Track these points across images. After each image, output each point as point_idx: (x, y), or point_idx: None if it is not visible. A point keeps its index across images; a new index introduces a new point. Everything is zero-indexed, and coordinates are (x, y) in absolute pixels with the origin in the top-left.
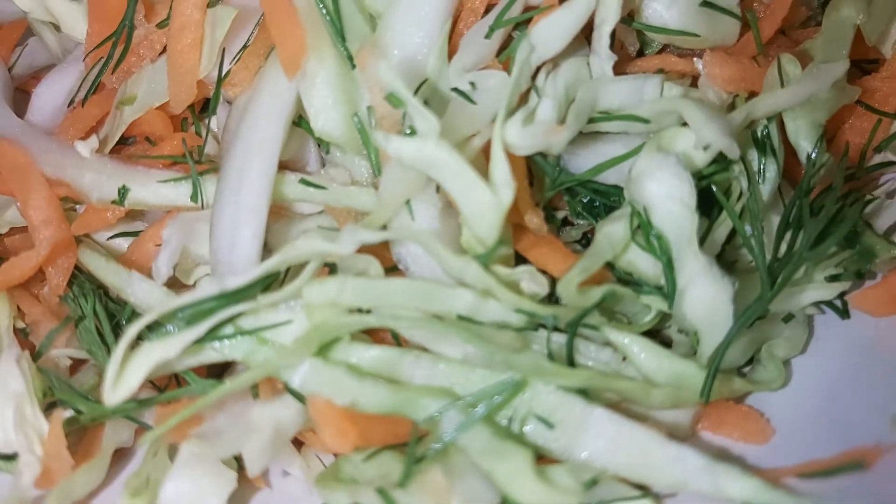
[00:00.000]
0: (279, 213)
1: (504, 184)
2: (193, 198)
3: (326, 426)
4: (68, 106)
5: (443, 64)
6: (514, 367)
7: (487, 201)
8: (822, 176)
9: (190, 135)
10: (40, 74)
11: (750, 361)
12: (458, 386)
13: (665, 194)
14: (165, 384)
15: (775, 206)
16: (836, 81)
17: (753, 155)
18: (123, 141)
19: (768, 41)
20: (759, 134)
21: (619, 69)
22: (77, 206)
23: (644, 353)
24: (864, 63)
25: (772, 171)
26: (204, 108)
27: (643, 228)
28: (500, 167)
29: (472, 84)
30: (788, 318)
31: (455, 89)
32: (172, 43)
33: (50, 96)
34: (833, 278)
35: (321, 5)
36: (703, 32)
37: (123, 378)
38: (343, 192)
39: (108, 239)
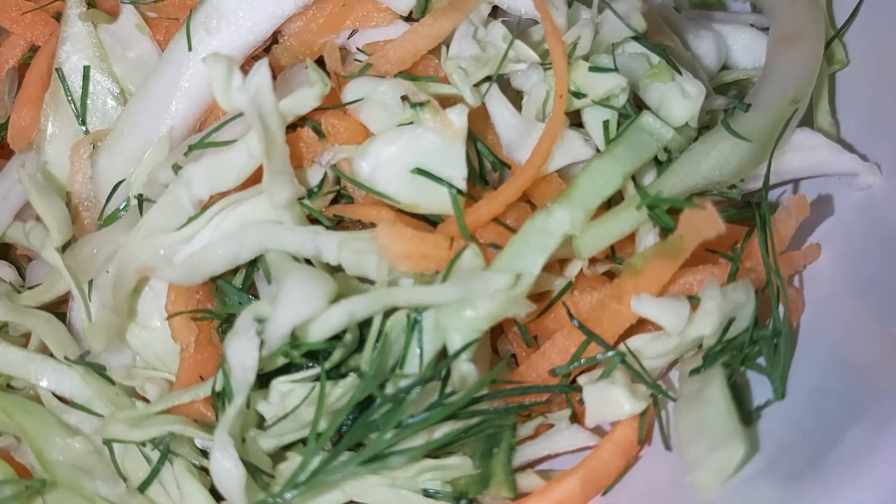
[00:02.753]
0: None
1: (109, 307)
2: None
3: None
4: None
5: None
6: (49, 472)
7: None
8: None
9: None
10: None
11: None
12: None
13: (237, 362)
14: None
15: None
16: (498, 293)
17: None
18: None
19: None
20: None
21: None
22: None
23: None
24: None
25: (414, 364)
26: None
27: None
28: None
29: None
30: None
31: (139, 196)
32: None
33: None
34: (426, 493)
35: (65, 86)
36: (415, 199)
37: None
38: (50, 255)
39: None
